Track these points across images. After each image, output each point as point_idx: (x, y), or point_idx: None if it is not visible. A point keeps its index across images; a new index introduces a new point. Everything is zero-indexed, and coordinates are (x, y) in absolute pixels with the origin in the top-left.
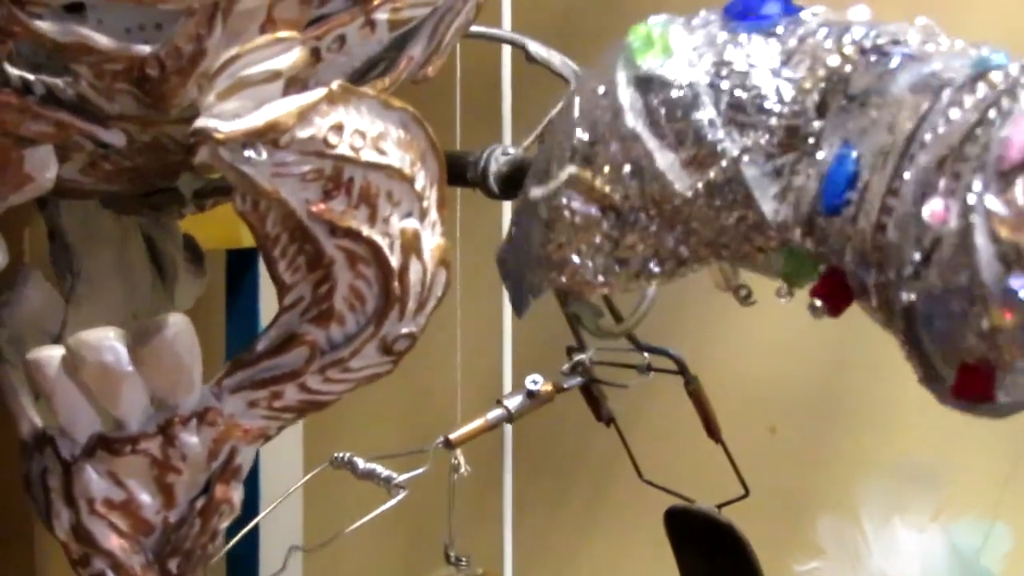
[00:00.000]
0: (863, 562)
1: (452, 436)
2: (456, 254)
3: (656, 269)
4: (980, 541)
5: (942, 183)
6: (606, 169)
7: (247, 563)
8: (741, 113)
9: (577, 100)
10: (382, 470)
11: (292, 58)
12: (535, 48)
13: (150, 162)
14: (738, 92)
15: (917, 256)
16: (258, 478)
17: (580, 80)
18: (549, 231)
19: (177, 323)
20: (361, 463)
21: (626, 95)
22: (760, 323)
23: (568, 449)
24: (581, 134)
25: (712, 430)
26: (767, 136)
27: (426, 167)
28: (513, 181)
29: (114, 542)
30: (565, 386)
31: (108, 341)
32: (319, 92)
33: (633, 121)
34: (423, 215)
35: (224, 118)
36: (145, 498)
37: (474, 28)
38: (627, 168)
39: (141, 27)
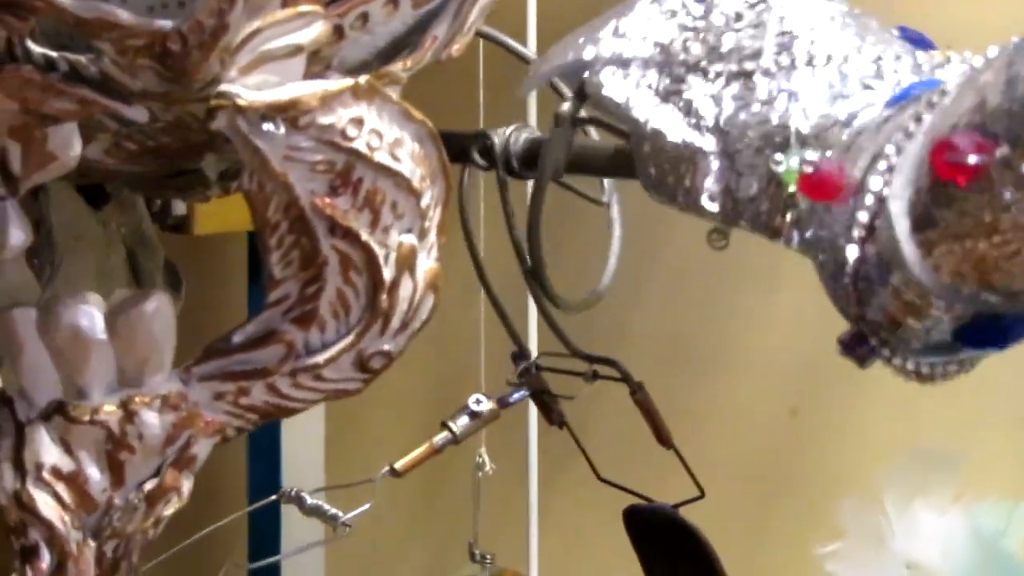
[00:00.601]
0: (885, 544)
1: (398, 465)
2: (480, 239)
3: None
4: (1002, 523)
5: None
6: None
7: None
8: None
9: None
10: (327, 508)
11: (314, 32)
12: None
13: (174, 141)
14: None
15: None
16: (279, 464)
17: None
18: None
19: (159, 299)
20: (308, 499)
21: None
22: (779, 305)
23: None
24: None
25: (662, 438)
26: None
27: (434, 187)
28: (531, 161)
29: (55, 513)
30: (510, 400)
31: (86, 305)
32: (345, 82)
33: None
34: (423, 234)
35: (247, 89)
36: (94, 473)
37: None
38: None
39: (163, 5)
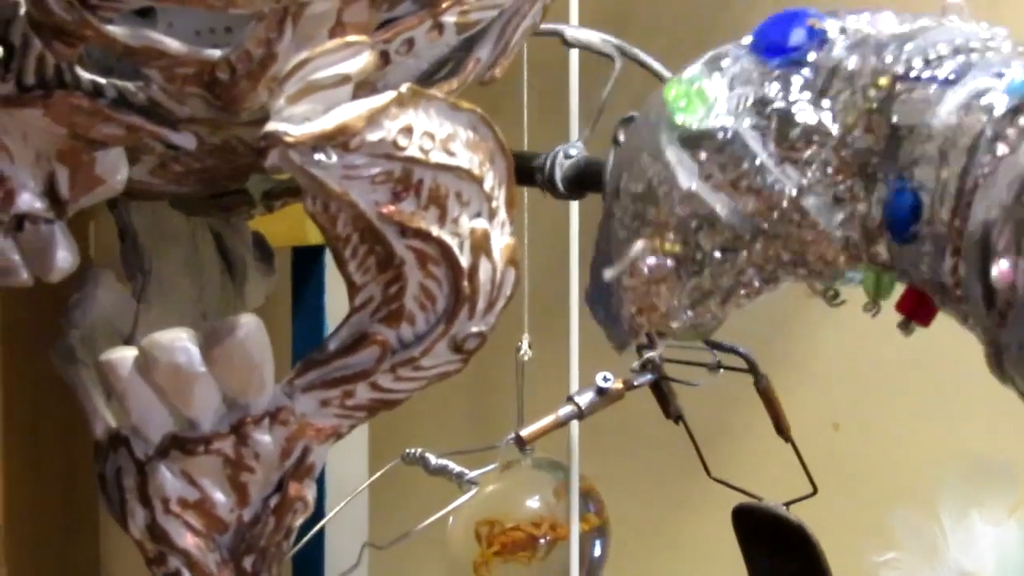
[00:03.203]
0: (939, 555)
1: (523, 432)
2: (524, 242)
3: (743, 293)
4: None
5: (1002, 242)
6: (671, 232)
7: (314, 559)
8: (791, 150)
9: (625, 175)
10: (453, 466)
11: (361, 62)
12: (572, 33)
13: (219, 164)
14: (784, 129)
15: (992, 314)
16: (323, 469)
17: (624, 151)
18: (628, 291)
19: (248, 323)
20: (433, 459)
21: (674, 156)
22: (823, 320)
23: (635, 444)
24: (638, 204)
25: (781, 428)
26: (822, 168)
27: (495, 167)
28: (578, 182)
29: (189, 540)
30: (635, 383)
31: (180, 342)
32: (388, 95)
33: (687, 181)
34: (492, 215)
35: (294, 121)
36: (219, 497)
37: None
38: (693, 224)
39: (211, 31)
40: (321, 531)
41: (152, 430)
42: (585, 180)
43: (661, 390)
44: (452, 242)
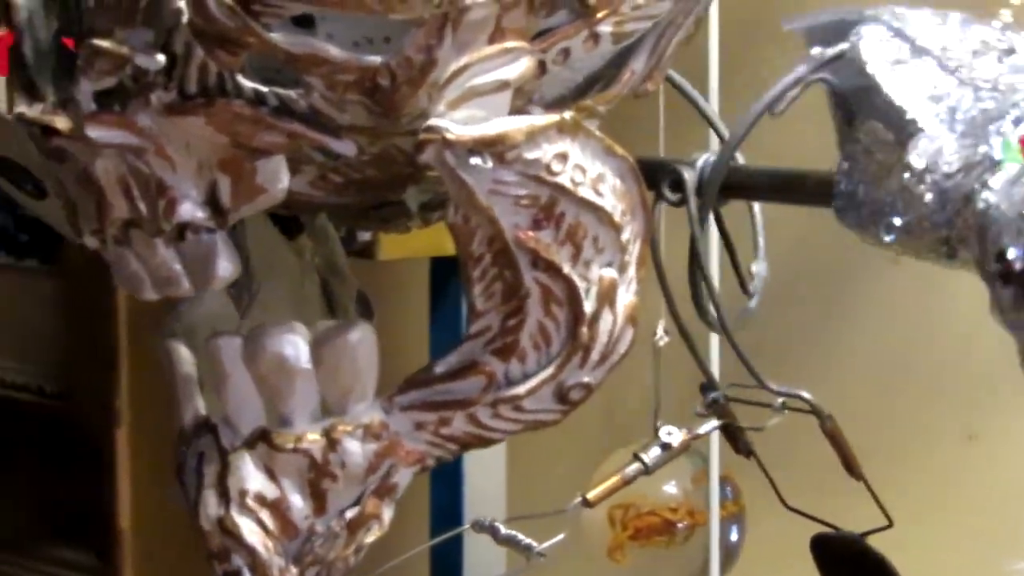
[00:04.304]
0: None
1: (590, 495)
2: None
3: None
4: None
5: None
6: None
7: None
8: None
9: None
10: (522, 537)
11: (521, 68)
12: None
13: (378, 174)
14: None
15: None
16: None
17: None
18: None
19: (363, 330)
20: (502, 529)
21: None
22: (958, 328)
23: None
24: None
25: (851, 467)
26: None
27: (634, 221)
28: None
29: (258, 539)
30: (700, 432)
31: (291, 334)
32: (551, 117)
33: None
34: (623, 268)
35: (455, 124)
36: (296, 500)
37: None
38: None
39: (369, 41)
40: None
41: (244, 421)
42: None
43: (728, 429)
44: (580, 284)
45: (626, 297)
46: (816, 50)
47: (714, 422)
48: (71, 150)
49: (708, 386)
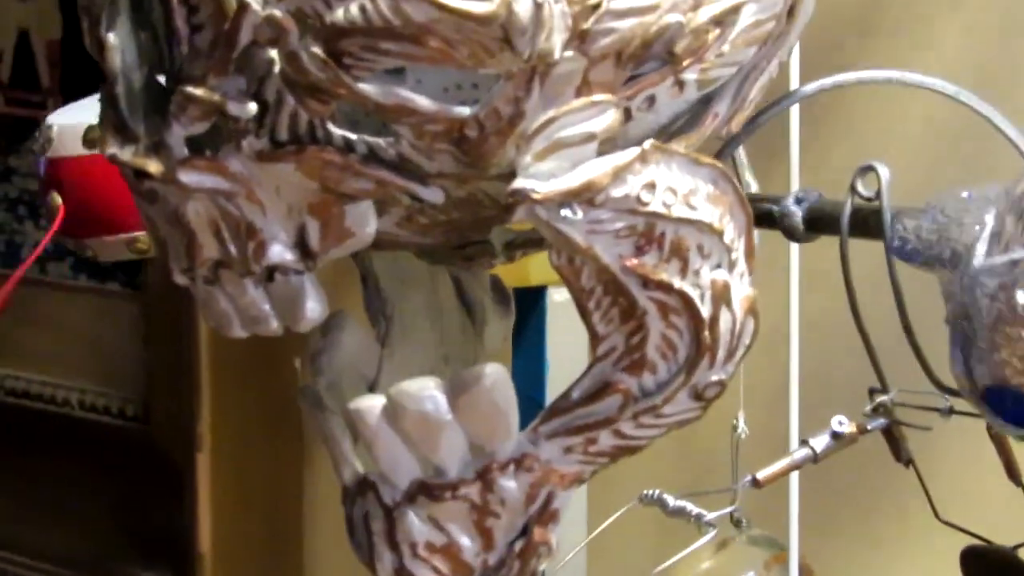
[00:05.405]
0: None
1: (759, 475)
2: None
3: None
4: None
5: None
6: None
7: None
8: None
9: None
10: (692, 507)
11: (607, 120)
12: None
13: (464, 216)
14: None
15: None
16: None
17: None
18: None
19: (495, 373)
20: (671, 500)
21: None
22: None
23: (860, 487)
24: None
25: (1013, 472)
26: None
27: (734, 219)
28: (813, 224)
29: None
30: (869, 428)
31: (428, 391)
32: (632, 152)
33: None
34: (732, 266)
35: (541, 178)
36: (465, 541)
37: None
38: None
39: (458, 87)
40: None
41: (400, 476)
42: (819, 223)
43: (892, 434)
44: (693, 293)
45: (741, 291)
46: None
47: (881, 420)
48: (162, 192)
49: (879, 387)
